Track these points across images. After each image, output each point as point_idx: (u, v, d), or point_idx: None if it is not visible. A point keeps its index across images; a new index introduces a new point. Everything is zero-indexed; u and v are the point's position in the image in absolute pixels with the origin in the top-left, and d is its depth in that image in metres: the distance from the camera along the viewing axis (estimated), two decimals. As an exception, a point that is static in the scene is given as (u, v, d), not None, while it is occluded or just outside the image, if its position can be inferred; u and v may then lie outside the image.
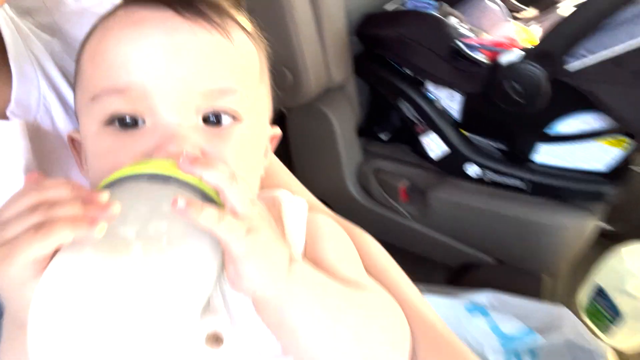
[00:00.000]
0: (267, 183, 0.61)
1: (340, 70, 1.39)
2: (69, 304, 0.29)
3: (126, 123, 0.42)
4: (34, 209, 0.33)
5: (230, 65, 0.44)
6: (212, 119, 0.43)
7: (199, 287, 0.33)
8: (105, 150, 0.42)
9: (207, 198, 0.36)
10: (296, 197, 0.53)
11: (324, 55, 1.31)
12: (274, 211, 0.50)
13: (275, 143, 0.57)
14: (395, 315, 0.48)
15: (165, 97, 0.41)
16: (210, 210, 0.33)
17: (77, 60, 0.48)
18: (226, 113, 0.43)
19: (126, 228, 0.31)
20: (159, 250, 0.31)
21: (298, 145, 1.55)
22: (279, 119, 1.51)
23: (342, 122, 1.45)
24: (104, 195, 0.33)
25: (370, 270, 0.54)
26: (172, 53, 0.41)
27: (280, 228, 0.48)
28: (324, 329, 0.41)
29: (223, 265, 0.36)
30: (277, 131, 0.56)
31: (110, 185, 0.36)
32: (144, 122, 0.42)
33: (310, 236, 0.49)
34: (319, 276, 0.43)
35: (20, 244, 0.31)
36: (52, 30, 0.56)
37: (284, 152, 1.57)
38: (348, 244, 0.53)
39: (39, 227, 0.31)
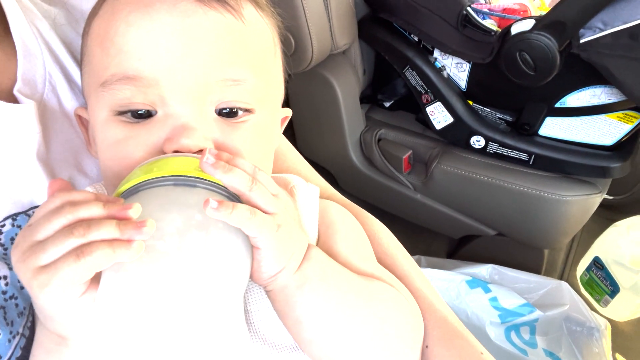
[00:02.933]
0: (276, 165, 0.60)
1: (344, 35, 1.34)
2: (130, 322, 0.32)
3: (139, 113, 0.40)
4: (69, 230, 0.32)
5: (244, 52, 0.42)
6: (226, 110, 0.42)
7: (237, 287, 0.36)
8: (116, 139, 0.41)
9: (236, 197, 0.37)
10: (308, 184, 0.52)
11: (329, 20, 1.27)
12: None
13: (285, 124, 0.56)
14: (409, 306, 0.49)
15: (176, 86, 0.39)
16: (241, 209, 0.34)
17: (84, 38, 0.46)
18: (240, 103, 0.42)
19: (166, 244, 0.32)
20: (200, 262, 0.33)
21: (300, 112, 1.53)
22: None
23: (345, 89, 1.41)
24: (136, 210, 0.33)
25: (380, 257, 0.55)
26: (185, 40, 0.39)
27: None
28: (337, 317, 0.41)
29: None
30: (288, 112, 0.54)
31: (135, 191, 0.36)
32: (156, 112, 0.40)
33: (324, 227, 0.49)
34: (333, 263, 0.44)
35: (62, 270, 0.31)
36: (52, 0, 0.53)
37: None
38: (360, 235, 0.53)
39: (79, 252, 0.31)
